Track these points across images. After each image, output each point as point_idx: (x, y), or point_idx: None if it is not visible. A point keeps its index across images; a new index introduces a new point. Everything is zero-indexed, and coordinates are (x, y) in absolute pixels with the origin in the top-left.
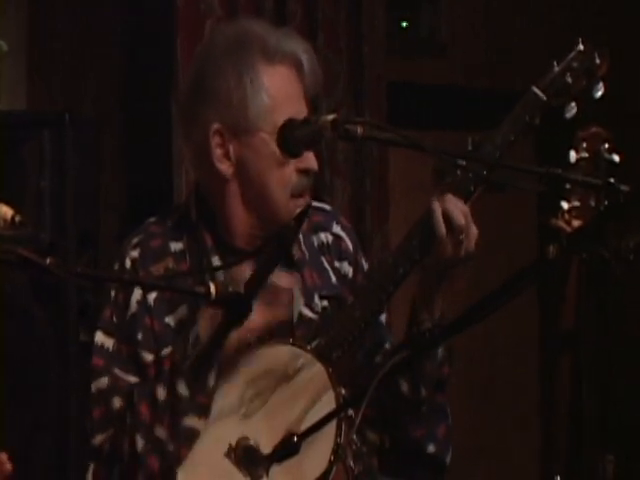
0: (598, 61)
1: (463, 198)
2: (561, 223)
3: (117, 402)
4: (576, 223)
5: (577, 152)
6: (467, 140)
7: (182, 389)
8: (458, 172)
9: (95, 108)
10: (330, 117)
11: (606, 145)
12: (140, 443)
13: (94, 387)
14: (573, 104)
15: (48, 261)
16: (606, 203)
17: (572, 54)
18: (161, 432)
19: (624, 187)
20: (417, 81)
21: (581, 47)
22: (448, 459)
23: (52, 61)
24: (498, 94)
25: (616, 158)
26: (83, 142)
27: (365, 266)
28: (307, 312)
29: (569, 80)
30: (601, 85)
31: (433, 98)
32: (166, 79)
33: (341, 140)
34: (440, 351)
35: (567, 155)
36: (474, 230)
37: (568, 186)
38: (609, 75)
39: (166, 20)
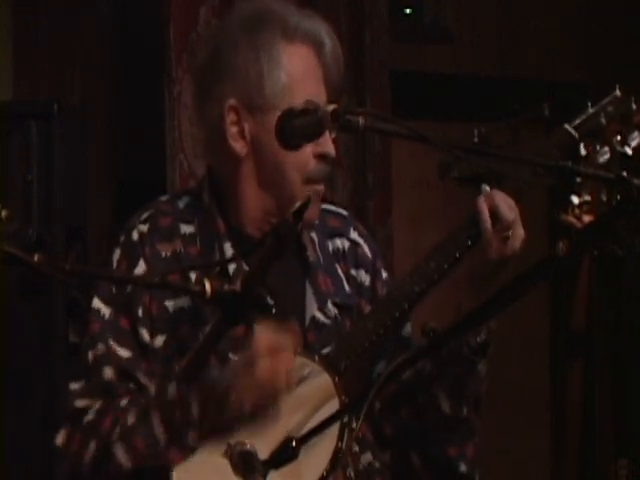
0: (634, 107)
1: (514, 198)
2: (571, 218)
3: (108, 372)
4: (587, 218)
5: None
6: (473, 132)
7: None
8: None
9: (84, 98)
10: (330, 107)
11: (619, 137)
12: (131, 420)
13: (91, 355)
14: (606, 149)
15: (35, 258)
16: (618, 197)
17: (608, 98)
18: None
19: (637, 181)
20: (421, 69)
21: (618, 93)
22: (477, 479)
23: (39, 49)
24: (506, 83)
25: (629, 151)
26: (71, 134)
27: (384, 274)
28: (320, 316)
29: (603, 121)
30: (637, 134)
31: (438, 87)
32: (159, 67)
33: (342, 132)
34: (482, 366)
35: (578, 147)
36: (521, 230)
37: (579, 180)
38: None
39: (159, 5)
